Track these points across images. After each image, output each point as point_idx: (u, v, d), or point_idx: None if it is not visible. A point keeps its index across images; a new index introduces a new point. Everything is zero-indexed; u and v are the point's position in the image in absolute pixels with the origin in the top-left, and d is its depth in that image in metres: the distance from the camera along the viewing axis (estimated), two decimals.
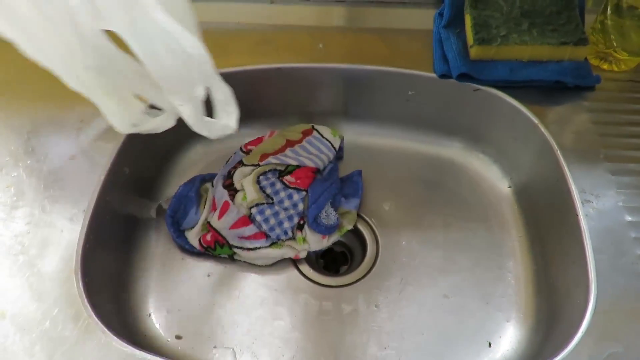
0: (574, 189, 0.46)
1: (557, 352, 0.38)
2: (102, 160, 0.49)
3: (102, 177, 0.48)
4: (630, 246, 0.42)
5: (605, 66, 0.55)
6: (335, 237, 0.55)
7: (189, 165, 0.62)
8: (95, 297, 0.43)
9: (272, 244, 0.53)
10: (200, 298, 0.52)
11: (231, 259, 0.54)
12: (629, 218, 0.44)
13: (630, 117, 0.52)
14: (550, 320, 0.46)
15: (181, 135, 0.60)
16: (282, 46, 0.58)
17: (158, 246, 0.55)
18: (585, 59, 0.54)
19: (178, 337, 0.49)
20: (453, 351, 0.49)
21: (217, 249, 0.53)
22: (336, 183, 0.57)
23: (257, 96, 0.60)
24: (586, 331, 0.38)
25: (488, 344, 0.49)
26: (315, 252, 0.54)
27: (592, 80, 0.53)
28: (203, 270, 0.54)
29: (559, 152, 0.49)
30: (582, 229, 0.44)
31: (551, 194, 0.50)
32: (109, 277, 0.49)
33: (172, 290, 0.52)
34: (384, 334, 0.50)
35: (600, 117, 0.51)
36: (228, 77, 0.56)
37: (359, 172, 0.60)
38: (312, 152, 0.59)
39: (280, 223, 0.53)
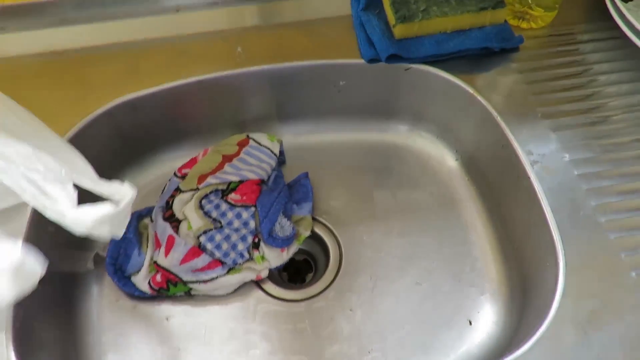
0: (520, 152, 0.46)
1: (540, 320, 0.37)
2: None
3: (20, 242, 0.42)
4: (585, 198, 0.43)
5: (524, 25, 0.56)
6: (294, 248, 0.52)
7: None
8: None
9: (230, 270, 0.49)
10: (163, 347, 0.47)
11: (188, 295, 0.50)
12: (577, 171, 0.45)
13: (557, 71, 0.53)
14: (524, 287, 0.46)
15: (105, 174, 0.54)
16: (198, 56, 0.54)
17: (103, 299, 0.50)
18: (505, 21, 0.54)
19: None
20: (436, 338, 0.48)
21: (170, 288, 0.49)
22: (284, 191, 0.54)
23: (182, 114, 0.55)
24: (563, 294, 0.38)
25: (469, 322, 0.48)
26: (277, 267, 0.51)
27: (515, 41, 0.53)
28: (160, 314, 0.49)
29: (499, 117, 0.49)
30: (537, 190, 0.44)
31: (499, 160, 0.50)
32: (51, 347, 0.43)
33: (129, 344, 0.47)
34: (365, 338, 0.48)
35: (530, 76, 0.52)
36: (144, 101, 0.52)
37: (306, 175, 0.57)
38: (253, 163, 0.55)
39: (233, 246, 0.49)
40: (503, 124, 0.48)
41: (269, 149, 0.57)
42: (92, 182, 0.38)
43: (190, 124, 0.57)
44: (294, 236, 0.51)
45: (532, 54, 0.54)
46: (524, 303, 0.45)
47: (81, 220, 0.34)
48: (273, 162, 0.56)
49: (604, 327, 0.36)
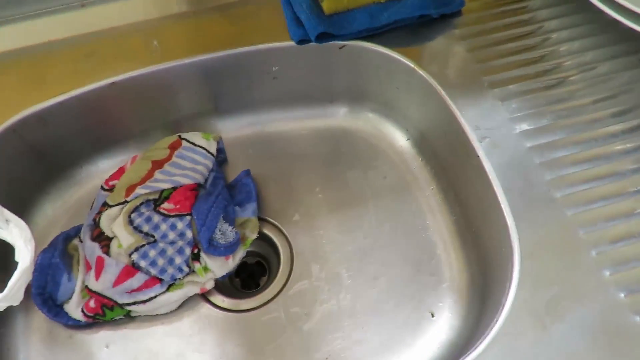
0: (467, 128, 0.42)
1: (496, 314, 0.34)
2: None
3: None
4: (538, 173, 0.39)
5: None
6: (241, 253, 0.48)
7: (49, 224, 0.51)
8: None
9: (170, 287, 0.45)
10: None
11: (129, 317, 0.46)
12: (528, 144, 0.41)
13: (504, 33, 0.48)
14: (484, 274, 0.43)
15: (22, 193, 0.49)
16: (110, 55, 0.48)
17: (32, 333, 0.45)
18: None
19: None
20: (397, 335, 0.44)
21: (107, 313, 0.45)
22: (223, 193, 0.49)
23: (102, 121, 0.50)
24: (519, 283, 0.34)
25: (431, 315, 0.45)
26: (223, 277, 0.47)
27: (455, 4, 0.49)
28: (98, 342, 0.45)
29: (443, 92, 0.45)
30: (486, 168, 0.40)
31: (448, 137, 0.46)
32: None
33: None
34: (322, 342, 0.44)
35: (474, 42, 0.48)
36: (54, 111, 0.47)
37: (247, 172, 0.52)
38: (187, 167, 0.50)
39: (170, 261, 0.45)
40: (447, 98, 0.44)
41: (204, 148, 0.52)
42: None
43: (115, 131, 0.52)
44: (238, 241, 0.47)
45: (475, 17, 0.50)
46: (484, 292, 0.42)
47: None
48: (210, 163, 0.51)
49: (564, 316, 0.33)
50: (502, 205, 0.38)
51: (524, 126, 0.42)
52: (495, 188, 0.39)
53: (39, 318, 0.46)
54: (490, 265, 0.41)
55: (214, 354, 0.44)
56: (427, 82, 0.46)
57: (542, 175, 0.39)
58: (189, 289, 0.46)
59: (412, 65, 0.46)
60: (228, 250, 0.46)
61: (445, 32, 0.48)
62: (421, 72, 0.46)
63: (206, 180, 0.50)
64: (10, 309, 0.45)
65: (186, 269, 0.45)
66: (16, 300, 0.34)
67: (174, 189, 0.48)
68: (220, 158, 0.54)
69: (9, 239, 0.36)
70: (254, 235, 0.49)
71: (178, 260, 0.45)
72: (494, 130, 0.42)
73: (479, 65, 0.46)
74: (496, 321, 0.33)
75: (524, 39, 0.48)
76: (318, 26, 0.46)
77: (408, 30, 0.48)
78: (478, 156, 0.40)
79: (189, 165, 0.50)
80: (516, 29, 0.48)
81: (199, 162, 0.51)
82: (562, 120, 0.42)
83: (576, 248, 0.35)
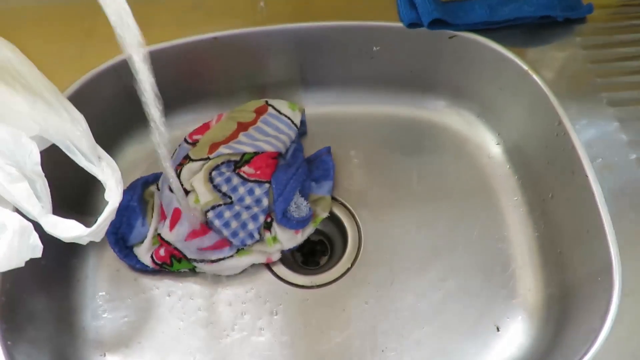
0: (578, 144, 0.40)
1: (586, 346, 0.32)
2: None
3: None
4: None
5: None
6: (310, 230, 0.48)
7: (128, 168, 0.52)
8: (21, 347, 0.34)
9: (238, 251, 0.45)
10: (162, 325, 0.44)
11: (193, 272, 0.46)
12: None
13: (628, 49, 0.45)
14: (565, 299, 0.41)
15: (109, 134, 0.50)
16: (216, 11, 0.48)
17: (101, 270, 0.47)
18: None
19: None
20: (458, 342, 0.43)
21: (174, 264, 0.45)
22: (302, 167, 0.49)
23: (195, 74, 0.50)
24: (615, 319, 0.32)
25: (496, 329, 0.43)
26: (290, 250, 0.47)
27: (583, 10, 0.45)
28: (161, 290, 0.46)
29: (555, 101, 0.42)
30: (594, 191, 0.37)
31: (550, 150, 0.43)
32: (42, 319, 0.40)
33: (126, 320, 0.45)
34: (379, 335, 0.44)
35: (596, 54, 0.44)
36: (155, 56, 0.47)
37: (328, 150, 0.51)
38: (270, 134, 0.50)
39: (243, 225, 0.45)
40: (560, 109, 0.41)
41: (289, 118, 0.51)
42: (84, 156, 0.35)
43: (204, 85, 0.52)
44: (310, 217, 0.47)
45: (600, 27, 0.46)
46: (563, 317, 0.40)
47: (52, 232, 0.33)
48: (293, 134, 0.51)
49: None
50: (607, 232, 0.35)
51: None
52: (602, 213, 0.36)
53: (109, 256, 0.47)
54: (576, 292, 0.39)
55: (269, 321, 0.44)
56: (538, 88, 0.43)
57: None
58: (256, 257, 0.46)
59: (525, 67, 0.44)
60: (300, 224, 0.46)
61: (566, 38, 0.45)
62: (534, 76, 0.43)
63: (287, 150, 0.50)
64: (84, 248, 0.46)
65: (257, 236, 0.45)
66: (99, 237, 0.35)
67: (256, 153, 0.47)
68: (302, 130, 0.53)
69: (100, 176, 0.36)
70: (325, 214, 0.48)
71: (251, 226, 0.45)
72: (608, 151, 0.39)
73: (599, 79, 0.43)
74: (586, 353, 0.31)
75: None
76: (434, 11, 0.44)
77: (526, 30, 0.46)
78: (587, 176, 0.38)
79: (273, 132, 0.50)
80: None
81: (283, 132, 0.50)
82: None
83: None
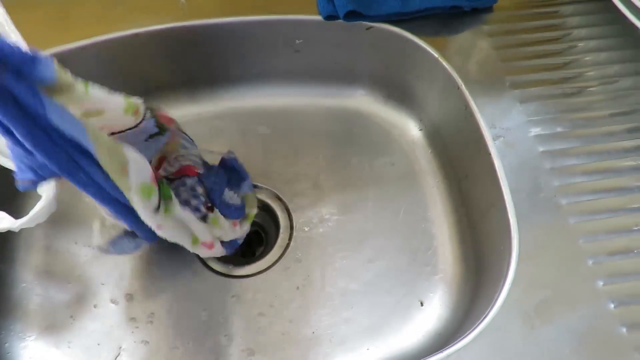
0: (483, 125, 0.42)
1: (486, 309, 0.35)
2: None
3: None
4: (547, 178, 0.39)
5: None
6: (246, 227, 0.48)
7: None
8: None
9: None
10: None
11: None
12: (541, 148, 0.41)
13: (532, 35, 0.48)
14: (478, 269, 0.43)
15: None
16: (137, 7, 0.48)
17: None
18: None
19: None
20: (385, 318, 0.45)
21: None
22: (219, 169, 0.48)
23: (118, 71, 0.50)
24: (513, 281, 0.35)
25: (420, 303, 0.46)
26: (231, 247, 0.46)
27: (489, 0, 0.48)
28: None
29: (463, 86, 0.45)
30: (496, 167, 0.40)
31: (462, 133, 0.46)
32: None
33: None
34: (311, 317, 0.45)
35: (501, 41, 0.47)
36: (74, 54, 0.47)
37: (229, 155, 0.49)
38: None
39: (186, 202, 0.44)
40: (467, 93, 0.44)
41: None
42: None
43: (127, 83, 0.52)
44: (244, 207, 0.48)
45: (507, 15, 0.49)
46: (476, 287, 0.42)
47: None
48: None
49: (553, 319, 0.34)
50: (507, 205, 0.38)
51: (540, 130, 0.42)
52: (503, 187, 0.39)
53: None
54: (486, 263, 0.42)
55: (198, 314, 0.45)
56: (448, 75, 0.46)
57: (551, 180, 0.39)
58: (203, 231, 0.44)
59: (436, 55, 0.46)
60: (237, 212, 0.46)
61: (474, 26, 0.48)
62: (444, 63, 0.46)
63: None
64: None
65: (204, 210, 0.44)
66: (32, 225, 0.37)
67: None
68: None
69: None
70: (255, 210, 0.49)
71: (194, 202, 0.44)
72: (509, 130, 0.42)
73: (503, 64, 0.46)
74: (486, 316, 0.34)
75: (551, 43, 0.47)
76: (348, 4, 0.46)
77: (437, 20, 0.48)
78: (490, 154, 0.41)
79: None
80: (545, 33, 0.48)
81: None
82: (578, 130, 0.42)
83: (574, 255, 0.36)
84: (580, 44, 0.48)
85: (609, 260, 0.36)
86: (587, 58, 0.47)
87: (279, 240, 0.49)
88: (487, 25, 0.48)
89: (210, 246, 0.46)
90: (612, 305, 0.34)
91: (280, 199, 0.51)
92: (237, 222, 0.47)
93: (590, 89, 0.45)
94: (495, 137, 0.41)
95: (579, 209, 0.38)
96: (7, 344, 0.42)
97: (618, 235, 0.37)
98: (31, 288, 0.45)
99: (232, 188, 0.48)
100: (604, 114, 0.43)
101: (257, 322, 0.45)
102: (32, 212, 0.38)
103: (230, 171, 0.50)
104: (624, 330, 0.33)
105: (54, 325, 0.43)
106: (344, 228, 0.49)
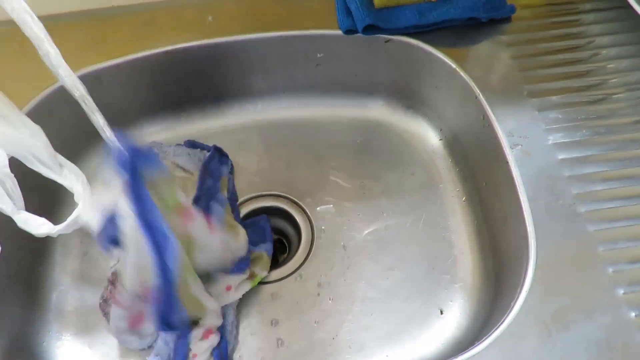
0: (500, 134, 0.43)
1: (502, 316, 0.35)
2: None
3: None
4: (565, 186, 0.39)
5: None
6: (245, 287, 0.46)
7: (92, 176, 0.54)
8: None
9: None
10: None
11: None
12: (560, 156, 0.41)
13: (549, 44, 0.48)
14: (497, 277, 0.43)
15: (72, 145, 0.53)
16: (167, 26, 0.51)
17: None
18: None
19: None
20: (403, 326, 0.45)
21: None
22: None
23: (151, 86, 0.53)
24: (529, 289, 0.35)
25: (439, 312, 0.46)
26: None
27: (506, 10, 0.49)
28: None
29: (481, 95, 0.45)
30: (514, 176, 0.40)
31: (481, 141, 0.47)
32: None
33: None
34: (330, 323, 0.46)
35: (519, 50, 0.48)
36: (110, 72, 0.50)
37: (265, 218, 0.51)
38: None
39: None
40: (485, 102, 0.44)
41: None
42: (45, 165, 0.38)
43: (161, 97, 0.55)
44: (247, 261, 0.46)
45: (525, 25, 0.50)
46: (495, 296, 0.42)
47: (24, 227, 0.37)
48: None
49: (570, 327, 0.33)
50: (525, 214, 0.38)
51: (559, 138, 0.42)
52: (520, 195, 0.39)
53: None
54: (505, 271, 0.42)
55: None
56: (467, 85, 0.46)
57: (569, 188, 0.39)
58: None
59: (454, 66, 0.47)
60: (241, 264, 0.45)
61: (492, 37, 0.48)
62: (462, 73, 0.46)
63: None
64: None
65: None
66: (68, 231, 0.39)
67: None
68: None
69: (63, 182, 0.39)
70: (265, 273, 0.48)
71: None
72: (527, 138, 0.42)
73: (522, 73, 0.46)
74: (502, 323, 0.34)
75: (572, 52, 0.47)
76: (366, 18, 0.47)
77: (455, 32, 0.49)
78: (507, 162, 0.41)
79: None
80: (565, 42, 0.48)
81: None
82: (598, 137, 0.42)
83: (593, 263, 0.36)
84: (602, 52, 0.48)
85: (629, 268, 0.35)
86: (609, 65, 0.47)
87: (301, 248, 0.51)
88: (505, 36, 0.49)
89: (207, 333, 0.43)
90: (632, 314, 0.34)
91: (302, 208, 0.53)
92: (230, 287, 0.45)
93: (613, 96, 0.45)
94: (513, 146, 0.42)
95: (598, 216, 0.38)
96: (44, 343, 0.44)
97: (638, 243, 0.36)
98: (67, 291, 0.48)
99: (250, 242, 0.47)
100: (627, 121, 0.43)
101: (278, 324, 0.46)
102: (69, 219, 0.41)
103: (254, 232, 0.49)
104: None
105: (88, 326, 0.46)
106: (364, 236, 0.50)
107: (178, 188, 0.40)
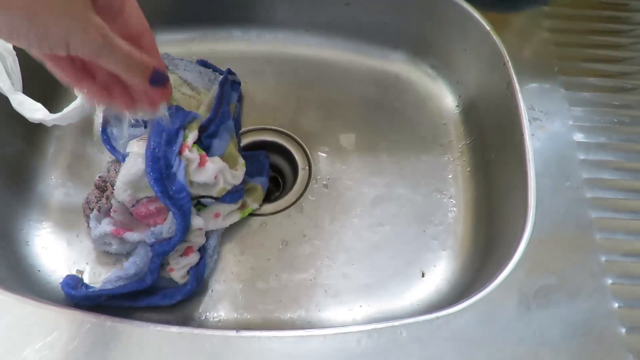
0: (522, 106, 0.41)
1: (485, 284, 0.34)
2: None
3: None
4: (576, 169, 0.38)
5: None
6: (234, 218, 0.45)
7: None
8: None
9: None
10: None
11: None
12: (578, 138, 0.39)
13: (590, 24, 0.46)
14: (487, 250, 0.42)
15: None
16: None
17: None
18: None
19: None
20: (383, 283, 0.45)
21: None
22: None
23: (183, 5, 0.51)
24: (518, 262, 0.34)
25: (421, 274, 0.45)
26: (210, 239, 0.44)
27: None
28: None
29: (510, 63, 0.43)
30: (526, 150, 0.39)
31: (499, 111, 0.45)
32: None
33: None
34: (313, 266, 0.45)
35: (559, 24, 0.45)
36: None
37: (265, 154, 0.50)
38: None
39: None
40: (512, 70, 0.42)
41: None
42: None
43: (185, 9, 0.52)
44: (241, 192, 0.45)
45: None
46: (481, 267, 0.42)
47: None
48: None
49: (551, 305, 0.33)
50: (529, 188, 0.37)
51: (580, 120, 0.40)
52: (529, 169, 0.38)
53: None
54: (497, 244, 0.41)
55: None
56: (497, 50, 0.44)
57: (580, 171, 0.38)
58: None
59: (488, 28, 0.45)
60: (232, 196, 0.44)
61: (533, 5, 0.46)
62: (495, 37, 0.44)
63: None
64: None
65: None
66: (63, 123, 0.39)
67: None
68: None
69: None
70: (256, 205, 0.47)
71: None
72: (548, 115, 0.40)
73: (557, 48, 0.44)
74: (483, 289, 0.34)
75: (613, 35, 0.45)
76: None
77: None
78: (523, 134, 0.39)
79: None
80: (608, 24, 0.46)
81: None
82: (620, 126, 0.40)
83: (587, 249, 0.35)
84: None
85: (623, 260, 0.34)
86: None
87: (295, 188, 0.50)
88: (548, 7, 0.46)
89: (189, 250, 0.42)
90: (615, 305, 0.33)
91: (303, 149, 0.51)
92: (219, 213, 0.44)
93: None
94: (532, 120, 0.40)
95: (602, 204, 0.36)
96: (23, 230, 0.44)
97: (638, 238, 0.35)
98: (55, 186, 0.47)
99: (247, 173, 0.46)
100: None
101: (257, 260, 0.46)
102: (65, 110, 0.40)
103: (252, 165, 0.48)
104: (623, 330, 0.32)
105: (69, 223, 0.45)
106: (361, 189, 0.49)
107: None
